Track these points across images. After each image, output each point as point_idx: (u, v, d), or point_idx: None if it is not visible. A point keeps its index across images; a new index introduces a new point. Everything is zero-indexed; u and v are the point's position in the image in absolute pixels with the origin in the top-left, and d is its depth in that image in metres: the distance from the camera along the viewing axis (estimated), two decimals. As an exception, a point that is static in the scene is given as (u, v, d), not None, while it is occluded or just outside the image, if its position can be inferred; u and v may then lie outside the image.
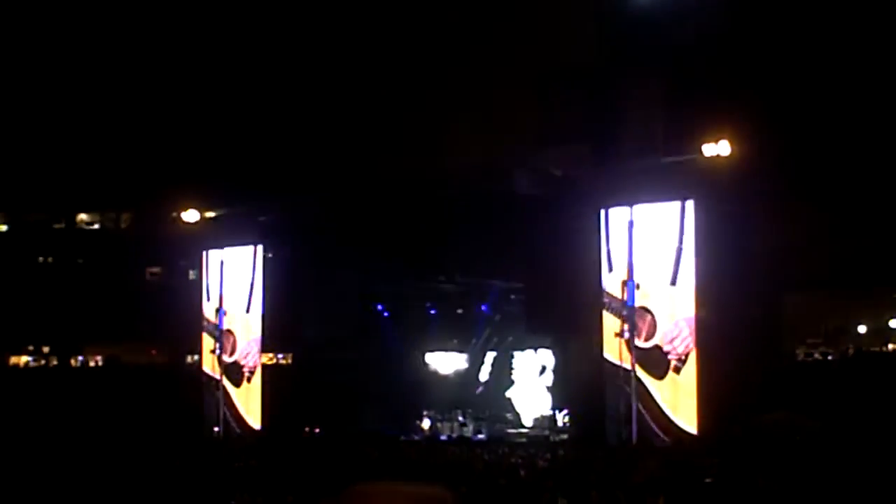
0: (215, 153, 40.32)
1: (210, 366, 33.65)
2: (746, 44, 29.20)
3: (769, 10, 29.31)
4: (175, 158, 39.93)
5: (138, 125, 41.12)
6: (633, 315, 26.30)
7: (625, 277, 26.42)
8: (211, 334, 33.82)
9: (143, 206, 40.99)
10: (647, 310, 26.12)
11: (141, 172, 39.96)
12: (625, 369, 26.11)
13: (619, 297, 26.46)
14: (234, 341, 33.32)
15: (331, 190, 34.94)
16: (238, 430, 32.73)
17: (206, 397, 33.83)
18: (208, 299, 34.08)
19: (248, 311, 33.34)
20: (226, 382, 33.25)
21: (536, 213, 29.24)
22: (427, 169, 34.33)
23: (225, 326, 33.44)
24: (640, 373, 25.96)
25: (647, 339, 26.08)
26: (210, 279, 34.33)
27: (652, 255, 26.27)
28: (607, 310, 26.69)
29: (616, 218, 27.00)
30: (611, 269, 26.82)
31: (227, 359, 33.29)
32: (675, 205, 26.01)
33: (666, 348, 25.81)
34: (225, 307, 33.74)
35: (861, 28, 27.92)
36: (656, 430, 25.43)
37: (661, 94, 30.51)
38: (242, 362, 33.27)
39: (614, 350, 26.35)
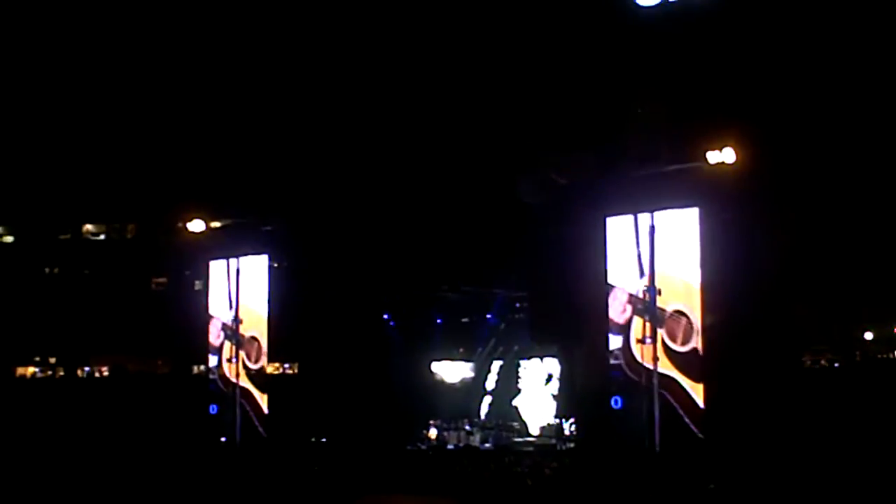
0: (220, 163, 40.34)
1: (232, 374, 33.58)
2: (752, 49, 29.17)
3: (776, 16, 29.29)
4: (180, 169, 39.96)
5: (143, 136, 41.15)
6: (655, 321, 26.16)
7: (665, 283, 26.03)
8: (230, 340, 33.76)
9: (148, 216, 41.04)
10: (682, 313, 25.78)
11: (146, 183, 39.98)
12: (659, 374, 25.85)
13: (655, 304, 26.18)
14: (259, 347, 33.18)
15: (336, 199, 34.96)
16: (265, 436, 32.61)
17: (223, 406, 33.81)
18: (231, 307, 33.91)
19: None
20: (252, 389, 33.15)
21: (541, 221, 29.21)
22: (432, 178, 34.33)
23: (249, 333, 33.34)
24: (680, 377, 25.63)
25: (683, 343, 25.68)
26: (224, 288, 34.19)
27: (681, 258, 26.01)
28: (639, 315, 26.44)
29: (640, 224, 26.81)
30: (642, 275, 26.58)
31: (252, 365, 33.18)
32: (695, 210, 25.88)
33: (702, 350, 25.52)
34: (242, 315, 33.63)
35: (867, 36, 27.89)
36: (698, 434, 25.20)
37: (666, 101, 30.47)
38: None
39: (647, 355, 26.08)
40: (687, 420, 25.42)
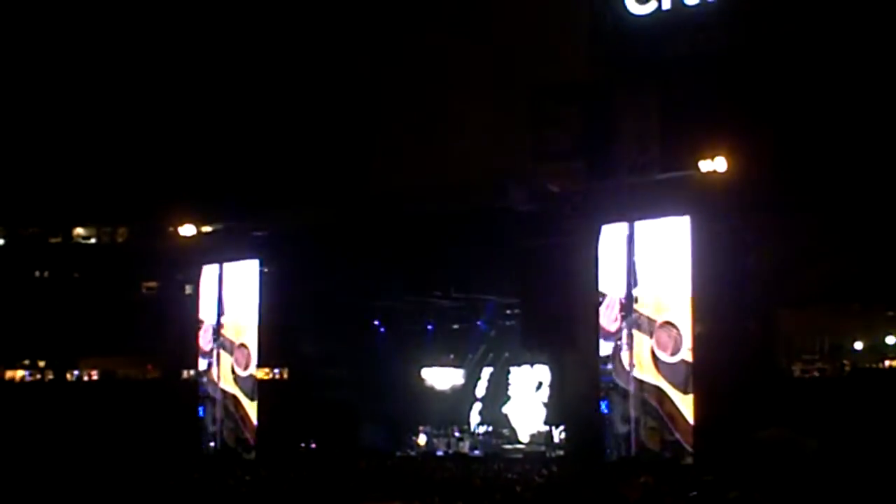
0: (212, 168, 40.33)
1: (216, 378, 33.56)
2: (742, 59, 29.23)
3: (765, 25, 29.35)
4: (171, 173, 39.95)
5: (135, 140, 41.14)
6: (630, 327, 26.25)
7: (656, 292, 26.13)
8: (216, 344, 33.75)
9: (139, 220, 40.99)
10: (671, 324, 25.82)
11: (137, 187, 39.97)
12: (646, 384, 25.88)
13: (646, 313, 26.22)
14: (249, 354, 33.18)
15: (327, 205, 34.92)
16: (252, 443, 32.59)
17: (211, 412, 33.78)
18: (222, 313, 33.88)
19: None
20: (240, 395, 33.12)
21: (532, 228, 29.22)
22: (423, 184, 34.32)
23: (239, 340, 33.32)
24: (668, 387, 25.66)
25: (673, 354, 25.74)
26: (215, 293, 34.16)
27: (671, 269, 26.03)
28: (635, 327, 26.45)
29: (621, 233, 26.90)
30: (635, 284, 26.59)
31: (241, 373, 33.16)
32: (686, 219, 25.96)
33: (691, 361, 25.56)
34: (232, 321, 33.57)
35: (857, 45, 27.95)
36: (684, 444, 25.26)
37: (657, 110, 30.52)
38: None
39: (643, 366, 26.10)
40: (672, 429, 25.48)
